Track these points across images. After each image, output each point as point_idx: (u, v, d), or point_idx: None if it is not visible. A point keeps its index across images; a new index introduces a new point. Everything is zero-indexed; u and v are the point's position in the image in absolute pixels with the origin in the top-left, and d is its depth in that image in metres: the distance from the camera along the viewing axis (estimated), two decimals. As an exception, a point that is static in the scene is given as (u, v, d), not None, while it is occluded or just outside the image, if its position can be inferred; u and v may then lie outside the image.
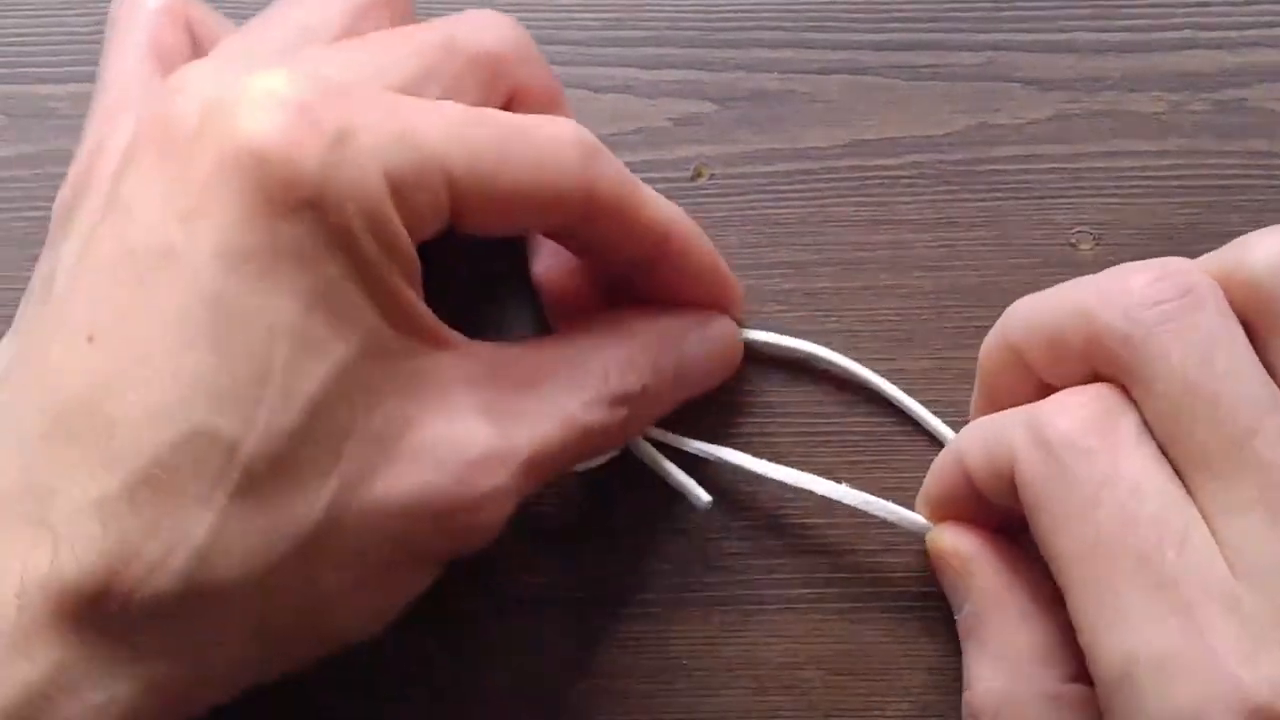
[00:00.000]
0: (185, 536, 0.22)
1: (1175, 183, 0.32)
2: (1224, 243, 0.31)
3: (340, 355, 0.23)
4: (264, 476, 0.23)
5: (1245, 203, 0.32)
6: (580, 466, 0.29)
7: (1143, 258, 0.31)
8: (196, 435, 0.22)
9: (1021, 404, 0.26)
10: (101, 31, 0.34)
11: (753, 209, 0.32)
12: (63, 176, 0.33)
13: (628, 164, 0.32)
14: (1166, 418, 0.24)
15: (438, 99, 0.26)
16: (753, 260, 0.32)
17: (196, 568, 0.22)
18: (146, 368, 0.22)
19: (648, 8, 0.34)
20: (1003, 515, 0.27)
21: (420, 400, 0.25)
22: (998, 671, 0.27)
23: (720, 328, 0.30)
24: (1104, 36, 0.33)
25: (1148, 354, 0.24)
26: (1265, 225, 0.31)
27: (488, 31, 0.27)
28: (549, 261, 0.30)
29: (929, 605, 0.30)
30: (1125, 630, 0.23)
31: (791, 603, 0.30)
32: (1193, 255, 0.31)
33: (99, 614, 0.22)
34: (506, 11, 0.33)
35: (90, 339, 0.23)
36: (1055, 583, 0.25)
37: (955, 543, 0.28)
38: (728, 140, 0.33)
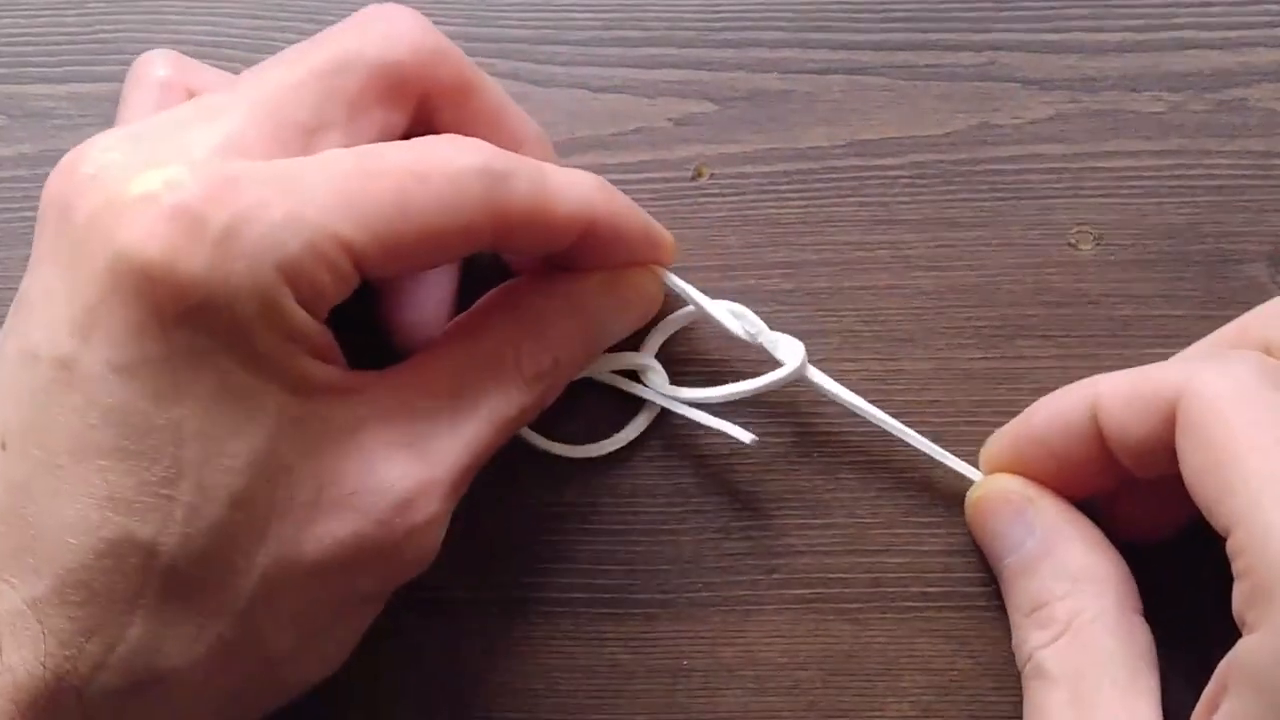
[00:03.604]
0: (122, 634, 0.23)
1: (1175, 183, 0.32)
2: (1224, 243, 0.32)
3: (251, 444, 0.24)
4: (190, 569, 0.23)
5: (1245, 203, 0.32)
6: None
7: (1143, 258, 0.32)
8: (115, 542, 0.23)
9: (1074, 460, 0.28)
10: (99, 32, 0.34)
11: (753, 209, 0.32)
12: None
13: (627, 164, 0.32)
14: None
15: (342, 128, 0.25)
16: (753, 260, 0.32)
17: (140, 662, 0.23)
18: (56, 478, 0.23)
19: (647, 8, 0.34)
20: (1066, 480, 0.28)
21: (336, 454, 0.25)
22: (1080, 589, 0.27)
23: (630, 289, 0.29)
24: (1104, 36, 0.33)
25: None
26: (1265, 225, 0.32)
27: (385, 39, 0.26)
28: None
29: (929, 605, 0.30)
30: None
31: (791, 603, 0.30)
32: (1192, 254, 0.32)
33: (57, 707, 0.22)
34: (505, 12, 0.34)
35: (3, 445, 0.23)
36: (1099, 530, 0.27)
37: (1015, 482, 0.28)
38: (728, 140, 0.33)
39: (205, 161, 0.24)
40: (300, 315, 0.24)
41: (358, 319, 0.27)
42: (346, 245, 0.24)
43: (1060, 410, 0.28)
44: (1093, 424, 0.27)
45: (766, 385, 0.29)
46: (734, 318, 0.30)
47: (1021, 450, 0.29)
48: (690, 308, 0.30)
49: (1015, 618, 0.28)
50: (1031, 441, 0.28)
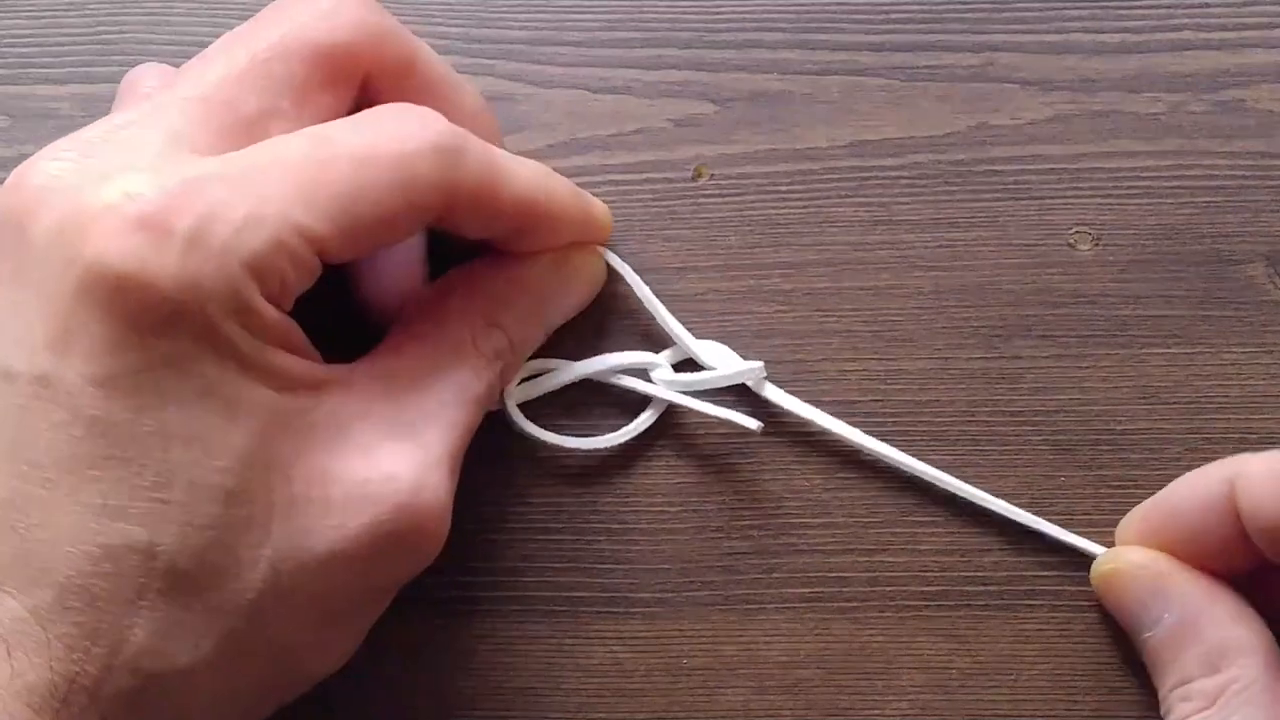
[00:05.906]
0: (127, 636, 0.23)
1: (1174, 183, 0.32)
2: (1222, 243, 0.32)
3: (239, 441, 0.24)
4: (191, 569, 0.23)
5: (1243, 203, 0.32)
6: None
7: (1142, 258, 0.32)
8: (113, 547, 0.23)
9: (1210, 539, 0.27)
10: (101, 33, 0.34)
11: (753, 209, 0.32)
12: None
13: (627, 165, 0.32)
14: None
15: (288, 115, 0.25)
16: (753, 260, 0.32)
17: (149, 661, 0.23)
18: (47, 490, 0.23)
19: (647, 9, 0.34)
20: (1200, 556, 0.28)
21: (333, 447, 0.25)
22: (1226, 663, 0.26)
23: (574, 270, 0.30)
24: (1103, 37, 0.33)
25: None
26: (1263, 226, 0.32)
27: (328, 19, 0.26)
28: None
29: (929, 605, 0.30)
30: None
31: (791, 602, 0.30)
32: (1191, 255, 0.32)
33: (71, 709, 0.22)
34: (505, 13, 0.34)
35: None
36: (1240, 599, 0.27)
37: (1148, 557, 0.28)
38: (728, 140, 0.33)
39: (161, 167, 0.24)
40: (269, 311, 0.24)
41: (320, 311, 0.27)
42: (309, 236, 0.24)
43: (1199, 486, 0.28)
44: (1231, 501, 0.27)
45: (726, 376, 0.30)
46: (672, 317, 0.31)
47: (1158, 525, 0.28)
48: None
49: (1161, 691, 0.28)
50: (1169, 516, 0.28)
